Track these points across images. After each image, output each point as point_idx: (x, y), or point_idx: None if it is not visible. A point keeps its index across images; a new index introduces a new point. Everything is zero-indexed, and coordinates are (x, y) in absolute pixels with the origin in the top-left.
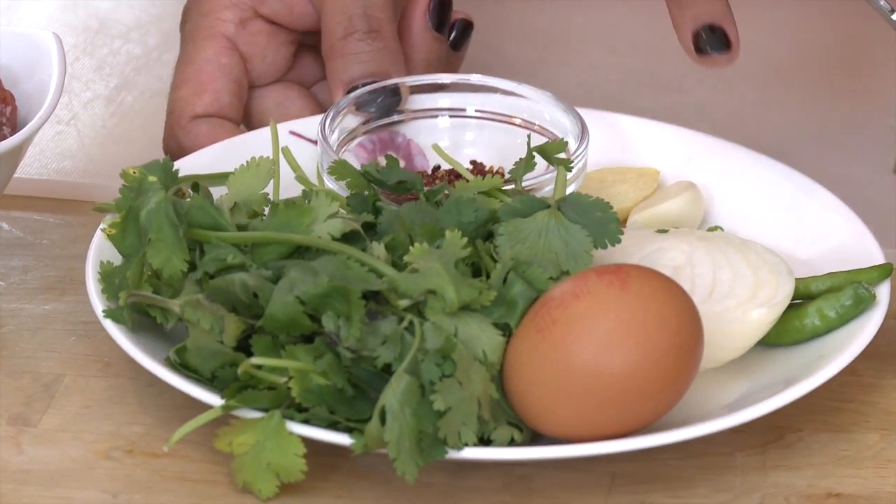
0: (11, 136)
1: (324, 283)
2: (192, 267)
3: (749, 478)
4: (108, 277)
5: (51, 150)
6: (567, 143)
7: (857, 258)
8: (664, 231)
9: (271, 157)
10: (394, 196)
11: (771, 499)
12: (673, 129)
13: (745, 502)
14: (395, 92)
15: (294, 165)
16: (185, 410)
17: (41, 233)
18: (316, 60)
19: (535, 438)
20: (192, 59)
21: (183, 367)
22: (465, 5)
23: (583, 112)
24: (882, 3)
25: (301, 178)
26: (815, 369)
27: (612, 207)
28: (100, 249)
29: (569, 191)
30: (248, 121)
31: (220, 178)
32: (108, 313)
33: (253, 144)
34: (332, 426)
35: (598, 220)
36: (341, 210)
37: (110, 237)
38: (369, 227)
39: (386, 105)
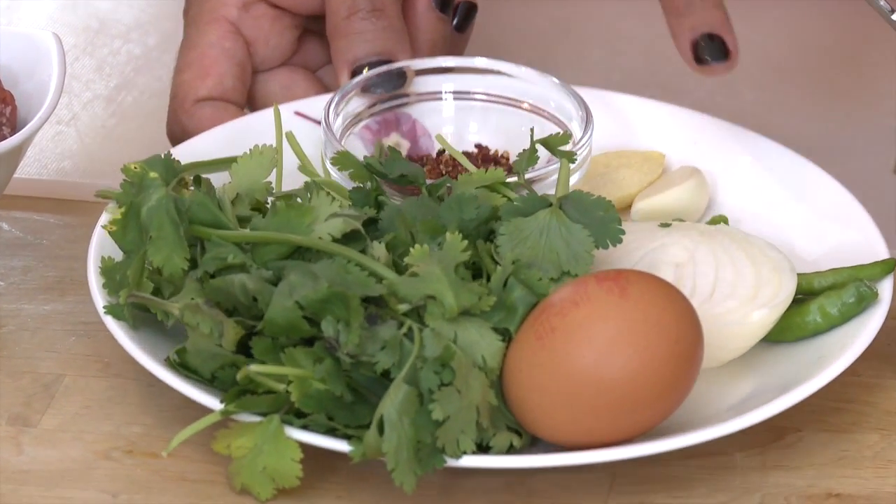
0: (11, 136)
1: (323, 288)
2: (194, 263)
3: (749, 478)
4: (110, 273)
5: (51, 151)
6: (571, 135)
7: (861, 251)
8: (667, 225)
9: (275, 142)
10: (397, 187)
11: (771, 499)
12: (679, 111)
13: (744, 502)
14: (400, 75)
15: (298, 152)
16: (185, 411)
17: (41, 233)
18: (321, 45)
19: (534, 441)
20: (195, 44)
21: (183, 366)
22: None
23: (586, 92)
24: (882, 3)
25: (304, 168)
26: (816, 370)
27: (613, 206)
28: (101, 244)
29: (574, 179)
30: (253, 105)
31: (224, 164)
32: (109, 309)
33: (257, 126)
34: (331, 432)
35: (600, 220)
36: (344, 202)
37: (111, 233)
38: (371, 223)
39: (391, 87)
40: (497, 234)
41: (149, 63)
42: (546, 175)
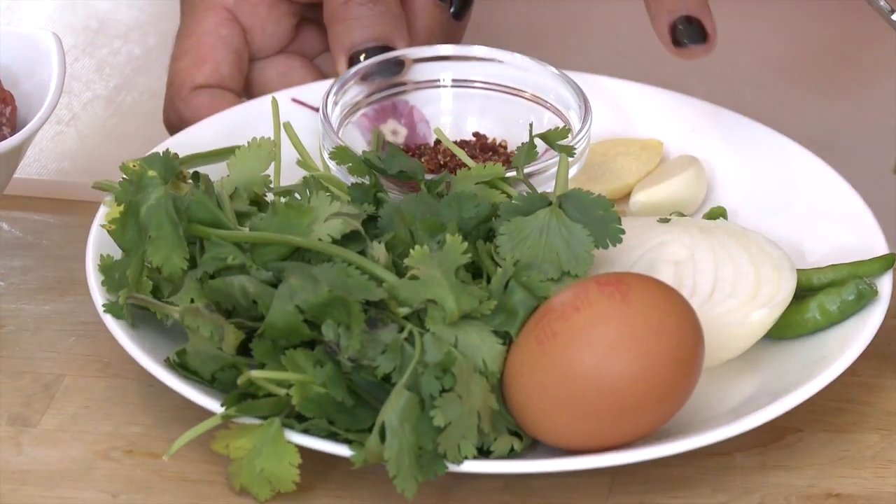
0: (11, 136)
1: (324, 292)
2: (193, 262)
3: (749, 478)
4: (109, 271)
5: (51, 151)
6: (570, 129)
7: (860, 244)
8: (666, 220)
9: (272, 133)
10: (396, 182)
11: (771, 499)
12: (676, 97)
13: (744, 502)
14: (398, 63)
15: (297, 145)
16: (184, 411)
17: (41, 233)
18: (318, 33)
19: (535, 443)
20: (191, 31)
21: (182, 367)
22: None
23: (582, 77)
24: (882, 3)
25: (303, 162)
26: (816, 370)
27: (613, 205)
28: (99, 242)
29: (572, 170)
30: (250, 93)
31: (222, 155)
32: (108, 307)
33: (255, 114)
34: (332, 436)
35: (600, 219)
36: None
37: (110, 232)
38: (370, 220)
39: (389, 75)
40: (497, 234)
41: (149, 63)
42: (545, 168)
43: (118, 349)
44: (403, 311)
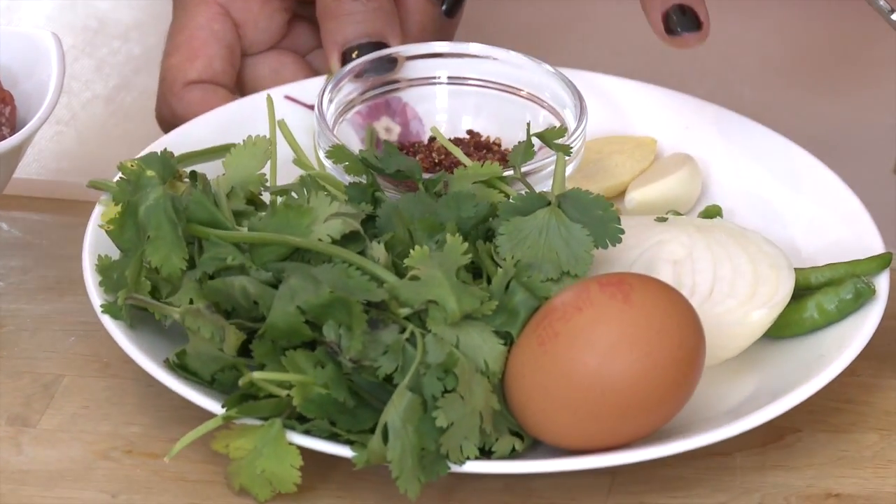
0: (11, 136)
1: (325, 293)
2: (191, 262)
3: (748, 478)
4: (106, 272)
5: (50, 150)
6: (566, 128)
7: (856, 243)
8: (663, 219)
9: (268, 129)
10: (393, 181)
11: (770, 499)
12: (670, 95)
13: (744, 502)
14: (391, 60)
15: (292, 143)
16: (183, 411)
17: (40, 233)
18: (310, 29)
19: (536, 443)
20: (183, 26)
21: (182, 368)
22: (465, 5)
23: (576, 74)
24: (882, 3)
25: (299, 161)
26: (815, 370)
27: (612, 205)
28: (95, 242)
29: (568, 169)
30: (242, 89)
31: (218, 153)
32: (107, 308)
33: (249, 111)
34: (333, 437)
35: (599, 219)
36: (340, 195)
37: (108, 232)
38: (368, 219)
39: (382, 72)
40: (496, 234)
41: (148, 63)
42: (541, 167)
43: (117, 349)
44: (405, 311)
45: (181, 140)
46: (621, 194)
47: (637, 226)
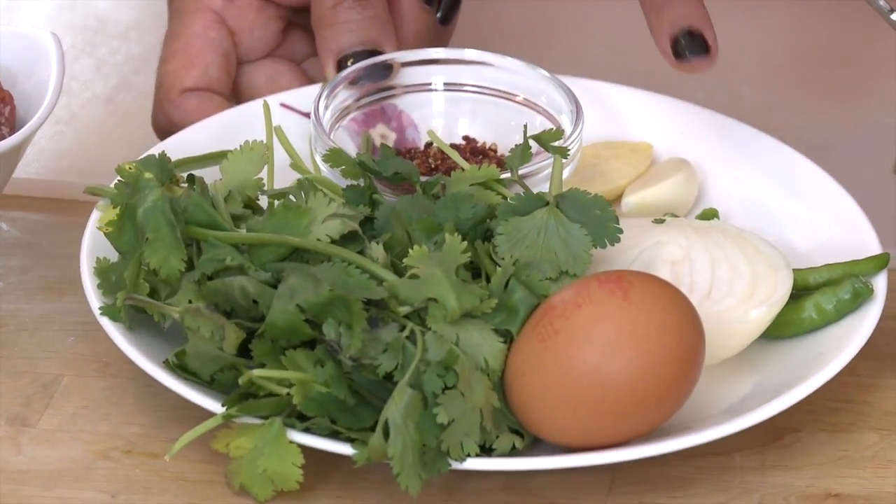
0: (10, 136)
1: (325, 291)
2: (190, 264)
3: (748, 478)
4: (105, 274)
5: (50, 150)
6: (563, 131)
7: (852, 244)
8: (661, 221)
9: (264, 136)
10: (390, 185)
11: (770, 499)
12: (665, 101)
13: (744, 502)
14: (386, 66)
15: (289, 149)
16: (183, 411)
17: (40, 233)
18: (305, 37)
19: (536, 441)
20: (179, 34)
21: (181, 369)
22: (465, 5)
23: (572, 81)
24: (882, 3)
25: (296, 165)
26: (814, 369)
27: (610, 205)
28: (93, 245)
29: (565, 173)
30: (237, 96)
31: (215, 159)
32: (105, 310)
33: (246, 118)
34: (334, 435)
35: (597, 219)
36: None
37: (107, 235)
38: (366, 221)
39: (378, 79)
40: (495, 234)
41: (148, 63)
42: (538, 170)
43: (117, 349)
44: (404, 309)
45: (178, 147)
46: (618, 199)
47: (635, 227)
